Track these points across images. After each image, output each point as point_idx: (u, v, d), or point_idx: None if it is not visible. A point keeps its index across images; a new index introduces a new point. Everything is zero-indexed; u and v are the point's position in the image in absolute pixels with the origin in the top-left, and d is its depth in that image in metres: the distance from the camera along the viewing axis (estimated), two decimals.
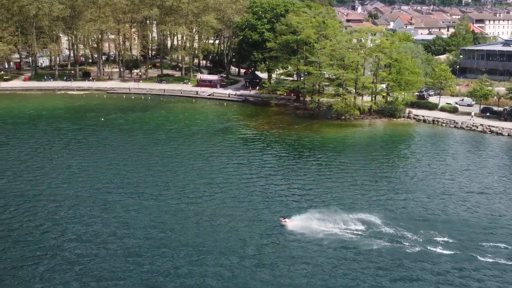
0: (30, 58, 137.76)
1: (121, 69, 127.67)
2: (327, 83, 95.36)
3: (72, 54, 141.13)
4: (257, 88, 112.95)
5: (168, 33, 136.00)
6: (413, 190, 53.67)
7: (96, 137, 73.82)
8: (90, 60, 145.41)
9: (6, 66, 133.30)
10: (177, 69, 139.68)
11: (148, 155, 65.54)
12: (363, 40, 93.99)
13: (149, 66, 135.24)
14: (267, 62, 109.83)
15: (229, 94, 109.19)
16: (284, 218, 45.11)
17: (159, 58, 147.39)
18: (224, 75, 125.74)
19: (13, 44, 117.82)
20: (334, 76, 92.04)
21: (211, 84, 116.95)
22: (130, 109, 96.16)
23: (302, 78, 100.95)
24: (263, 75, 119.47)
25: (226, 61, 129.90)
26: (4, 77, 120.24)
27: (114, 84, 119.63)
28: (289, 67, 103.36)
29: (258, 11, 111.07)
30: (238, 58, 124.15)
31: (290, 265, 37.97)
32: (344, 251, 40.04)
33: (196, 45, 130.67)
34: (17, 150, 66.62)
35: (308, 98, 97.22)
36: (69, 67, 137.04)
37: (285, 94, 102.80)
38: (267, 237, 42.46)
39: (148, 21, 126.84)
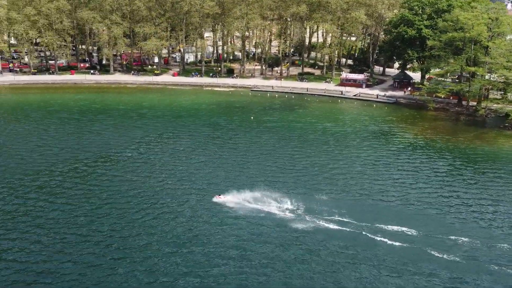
0: (178, 54, 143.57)
1: (264, 67, 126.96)
2: (499, 87, 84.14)
3: (215, 51, 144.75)
4: (408, 89, 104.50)
5: (312, 30, 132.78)
6: None
7: (250, 136, 72.15)
8: (231, 57, 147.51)
9: (156, 61, 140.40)
10: (316, 67, 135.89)
11: (303, 156, 62.10)
12: None
13: (287, 64, 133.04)
14: (422, 61, 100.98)
15: (377, 95, 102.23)
16: None
17: (299, 55, 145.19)
18: (368, 74, 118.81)
19: (164, 40, 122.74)
20: (508, 80, 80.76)
21: (356, 83, 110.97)
22: (275, 107, 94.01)
23: (462, 80, 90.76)
24: (414, 75, 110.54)
25: (371, 59, 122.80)
26: (155, 72, 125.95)
27: (257, 82, 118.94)
28: (449, 67, 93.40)
29: (415, 6, 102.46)
30: (389, 56, 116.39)
31: None
32: None
33: (339, 42, 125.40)
34: (183, 142, 67.30)
35: (473, 103, 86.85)
36: (212, 63, 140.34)
37: (445, 97, 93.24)
38: None
39: (290, 18, 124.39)
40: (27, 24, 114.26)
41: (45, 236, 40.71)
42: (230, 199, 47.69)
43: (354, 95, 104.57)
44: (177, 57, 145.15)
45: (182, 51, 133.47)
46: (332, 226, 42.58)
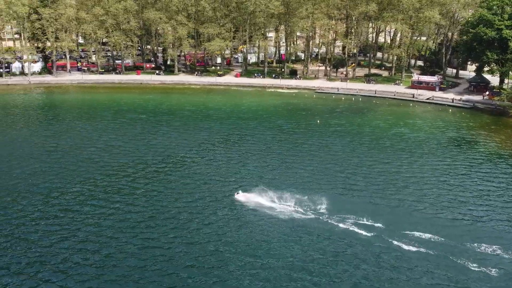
0: (240, 55, 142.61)
1: (328, 68, 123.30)
2: None
3: (277, 52, 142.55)
4: (486, 93, 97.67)
5: (378, 29, 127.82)
6: None
7: (317, 141, 69.06)
8: (293, 58, 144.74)
9: (218, 62, 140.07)
10: (383, 67, 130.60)
11: (376, 162, 58.35)
12: None
13: (353, 64, 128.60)
14: (502, 63, 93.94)
15: (452, 99, 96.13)
16: None
17: (363, 56, 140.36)
18: (441, 77, 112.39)
19: (228, 40, 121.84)
20: None
21: (428, 86, 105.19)
22: (342, 110, 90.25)
23: None
24: (490, 78, 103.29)
25: (443, 60, 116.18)
26: (218, 73, 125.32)
27: (321, 83, 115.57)
28: None
29: (494, 5, 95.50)
30: (464, 57, 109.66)
31: None
32: None
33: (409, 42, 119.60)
34: (248, 146, 65.39)
35: None
36: (274, 64, 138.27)
37: None
38: None
39: (357, 18, 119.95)
40: (95, 24, 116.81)
41: (109, 239, 39.80)
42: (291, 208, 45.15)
43: (427, 99, 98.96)
44: (239, 57, 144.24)
45: (244, 51, 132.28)
46: (407, 245, 38.83)
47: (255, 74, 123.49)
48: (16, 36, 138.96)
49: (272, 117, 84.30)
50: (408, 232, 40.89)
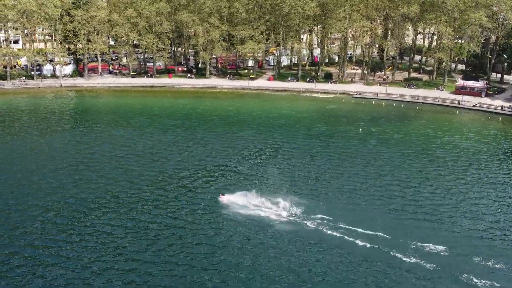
0: (272, 57, 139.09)
1: (365, 71, 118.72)
2: None
3: (311, 54, 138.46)
4: None
5: (417, 31, 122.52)
6: None
7: (361, 150, 64.96)
8: (326, 60, 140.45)
9: (250, 64, 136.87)
10: (421, 71, 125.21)
11: (428, 175, 54.01)
12: None
13: (390, 68, 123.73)
14: None
15: (501, 106, 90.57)
16: None
17: (400, 59, 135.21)
18: (486, 82, 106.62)
19: (262, 43, 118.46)
20: None
21: (473, 92, 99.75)
22: (384, 117, 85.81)
23: None
24: None
25: (489, 65, 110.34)
26: (251, 76, 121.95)
27: (358, 88, 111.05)
28: None
29: None
30: (511, 62, 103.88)
31: None
32: None
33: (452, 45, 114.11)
34: (287, 155, 61.73)
35: None
36: (306, 67, 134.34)
37: None
38: None
39: (398, 19, 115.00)
40: (127, 26, 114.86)
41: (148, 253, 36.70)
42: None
43: (474, 106, 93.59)
44: (270, 60, 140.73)
45: (278, 54, 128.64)
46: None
47: (289, 78, 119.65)
48: (47, 37, 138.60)
49: (309, 124, 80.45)
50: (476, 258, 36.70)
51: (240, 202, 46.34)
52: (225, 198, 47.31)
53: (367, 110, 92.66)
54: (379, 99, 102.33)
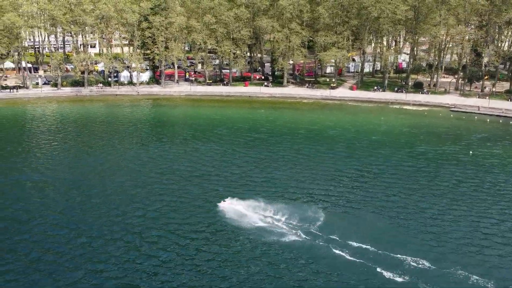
0: (352, 64, 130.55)
1: (461, 81, 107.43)
2: None
3: (395, 60, 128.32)
4: None
5: None
6: None
7: (479, 179, 55.75)
8: (411, 67, 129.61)
9: (328, 71, 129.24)
10: None
11: None
12: None
13: (487, 77, 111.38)
14: None
15: None
16: None
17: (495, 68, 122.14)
18: None
19: (345, 50, 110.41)
20: None
21: None
22: (494, 137, 75.01)
23: None
24: None
25: None
26: (332, 85, 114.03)
27: (455, 100, 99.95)
28: None
29: None
30: None
31: None
32: None
33: None
34: (389, 181, 53.80)
35: None
36: (391, 74, 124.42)
37: None
38: None
39: (503, 25, 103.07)
40: (205, 33, 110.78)
41: None
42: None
43: None
44: (351, 66, 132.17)
45: (361, 60, 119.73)
46: None
47: (375, 87, 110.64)
48: (124, 42, 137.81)
49: (408, 143, 71.63)
50: None
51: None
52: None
53: (471, 127, 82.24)
54: (481, 113, 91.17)
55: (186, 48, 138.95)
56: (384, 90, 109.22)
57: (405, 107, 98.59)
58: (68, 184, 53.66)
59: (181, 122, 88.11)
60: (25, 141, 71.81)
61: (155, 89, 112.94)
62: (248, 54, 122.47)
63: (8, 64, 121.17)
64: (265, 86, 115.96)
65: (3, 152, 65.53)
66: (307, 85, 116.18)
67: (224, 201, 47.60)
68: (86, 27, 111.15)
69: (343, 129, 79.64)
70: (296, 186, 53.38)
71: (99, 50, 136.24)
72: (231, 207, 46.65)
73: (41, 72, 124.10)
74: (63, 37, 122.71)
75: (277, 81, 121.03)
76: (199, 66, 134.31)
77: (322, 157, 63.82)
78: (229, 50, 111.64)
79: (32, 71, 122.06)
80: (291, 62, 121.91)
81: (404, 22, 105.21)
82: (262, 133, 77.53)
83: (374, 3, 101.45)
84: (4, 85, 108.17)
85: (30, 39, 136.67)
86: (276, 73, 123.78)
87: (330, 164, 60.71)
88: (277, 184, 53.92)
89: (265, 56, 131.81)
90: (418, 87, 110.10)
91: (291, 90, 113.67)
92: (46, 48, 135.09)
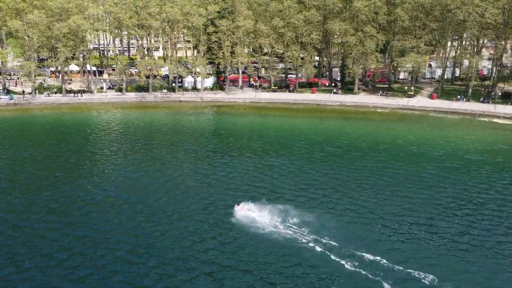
0: (428, 69, 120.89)
1: None
2: None
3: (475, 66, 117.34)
4: None
5: None
6: None
7: None
8: (486, 73, 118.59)
9: (400, 77, 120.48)
10: None
11: None
12: None
13: None
14: None
15: None
16: None
17: None
18: None
19: (426, 55, 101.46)
20: None
21: None
22: None
23: None
24: None
25: None
26: (409, 93, 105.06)
27: None
28: None
29: None
30: None
31: None
32: None
33: None
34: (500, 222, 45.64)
35: None
36: (474, 82, 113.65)
37: None
38: None
39: None
40: (273, 37, 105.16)
41: None
42: None
43: None
44: (427, 72, 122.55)
45: (442, 65, 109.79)
46: None
47: (458, 97, 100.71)
48: (187, 46, 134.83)
49: (507, 167, 62.22)
50: None
51: None
52: None
53: None
54: None
55: (251, 52, 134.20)
56: (468, 100, 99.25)
57: (494, 120, 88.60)
58: (132, 205, 49.17)
59: (248, 133, 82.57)
60: (89, 151, 68.64)
61: (219, 96, 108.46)
62: (319, 59, 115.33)
63: (73, 67, 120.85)
64: (334, 93, 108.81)
65: (67, 164, 62.38)
66: (380, 92, 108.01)
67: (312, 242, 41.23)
68: (152, 31, 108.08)
69: (430, 146, 71.12)
70: (390, 219, 46.23)
71: (163, 54, 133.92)
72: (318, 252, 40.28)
73: (105, 76, 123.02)
74: (128, 41, 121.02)
75: (346, 87, 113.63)
76: (262, 70, 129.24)
77: (412, 180, 56.11)
78: (297, 55, 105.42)
79: (97, 74, 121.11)
80: (362, 67, 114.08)
81: (493, 26, 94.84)
82: (338, 147, 70.66)
83: (460, 5, 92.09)
84: (68, 89, 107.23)
85: (95, 42, 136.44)
86: (345, 79, 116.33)
87: (423, 190, 52.99)
88: (364, 213, 46.98)
89: (335, 61, 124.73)
90: (507, 97, 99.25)
91: (363, 98, 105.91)
92: (111, 51, 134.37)
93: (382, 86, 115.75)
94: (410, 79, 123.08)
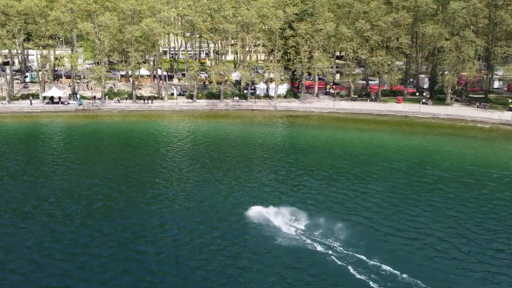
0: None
1: None
2: None
3: None
4: None
5: None
6: None
7: None
8: None
9: (494, 86, 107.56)
10: None
11: None
12: None
13: None
14: None
15: None
16: None
17: None
18: None
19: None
20: None
21: None
22: None
23: None
24: None
25: None
26: (510, 106, 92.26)
27: None
28: None
29: None
30: None
31: None
32: None
33: None
34: None
35: None
36: None
37: None
38: None
39: None
40: (357, 41, 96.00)
41: None
42: None
43: None
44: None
45: None
46: None
47: None
48: (261, 50, 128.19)
49: None
50: None
51: None
52: None
53: None
54: None
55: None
56: None
57: None
58: (198, 238, 42.25)
59: (330, 150, 72.90)
60: (162, 166, 62.55)
61: (294, 104, 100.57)
62: (407, 65, 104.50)
63: (143, 71, 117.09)
64: (423, 103, 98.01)
65: (134, 182, 56.51)
66: (477, 104, 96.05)
67: None
68: (227, 35, 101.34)
69: None
70: None
71: (233, 58, 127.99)
72: None
73: (175, 81, 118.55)
74: (200, 45, 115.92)
75: (436, 97, 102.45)
76: (337, 76, 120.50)
77: None
78: (384, 61, 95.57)
79: (167, 79, 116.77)
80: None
81: None
82: (443, 170, 60.78)
83: None
84: (138, 95, 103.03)
85: (166, 45, 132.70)
86: (435, 87, 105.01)
87: None
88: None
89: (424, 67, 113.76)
90: None
91: (457, 110, 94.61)
92: (182, 55, 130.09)
93: (476, 96, 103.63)
94: (506, 89, 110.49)
